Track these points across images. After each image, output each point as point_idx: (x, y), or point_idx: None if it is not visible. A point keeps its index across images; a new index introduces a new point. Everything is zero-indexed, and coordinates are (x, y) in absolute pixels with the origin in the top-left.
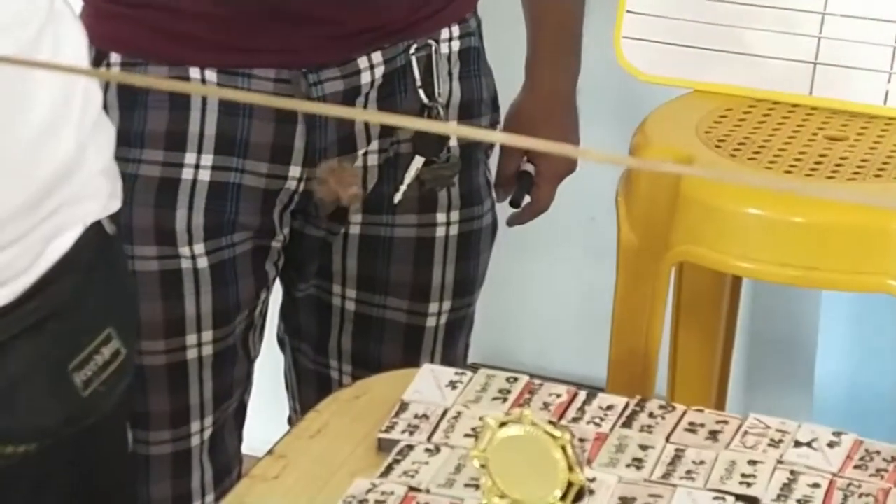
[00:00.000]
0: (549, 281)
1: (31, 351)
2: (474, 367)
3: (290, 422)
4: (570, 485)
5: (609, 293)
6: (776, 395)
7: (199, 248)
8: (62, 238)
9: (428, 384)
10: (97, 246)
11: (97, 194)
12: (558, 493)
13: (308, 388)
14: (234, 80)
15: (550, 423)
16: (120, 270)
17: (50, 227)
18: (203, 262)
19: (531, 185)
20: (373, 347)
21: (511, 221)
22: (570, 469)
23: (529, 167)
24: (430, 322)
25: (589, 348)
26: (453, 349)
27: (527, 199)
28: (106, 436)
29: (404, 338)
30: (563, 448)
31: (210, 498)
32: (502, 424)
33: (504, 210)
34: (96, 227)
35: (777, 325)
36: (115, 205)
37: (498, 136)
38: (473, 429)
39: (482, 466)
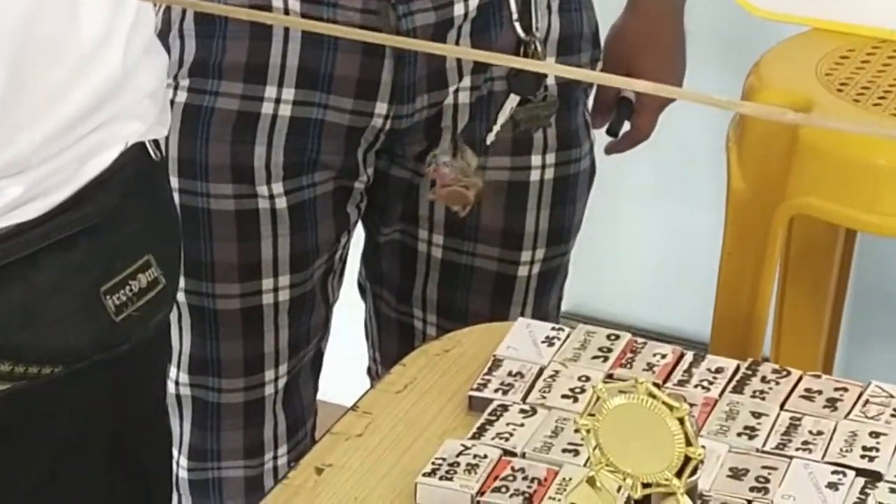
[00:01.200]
0: (639, 226)
1: (60, 266)
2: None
3: (370, 372)
4: (686, 460)
5: (702, 242)
6: (884, 354)
7: (278, 187)
8: (102, 156)
9: (522, 339)
10: (139, 168)
11: (143, 116)
12: (673, 468)
13: (389, 338)
14: (318, 9)
15: (663, 389)
16: (163, 199)
17: (90, 143)
18: (282, 203)
19: (631, 113)
20: (460, 297)
21: (609, 150)
22: (688, 443)
23: (630, 93)
24: (522, 271)
25: (680, 300)
26: (545, 301)
27: (626, 126)
28: (145, 368)
29: (493, 288)
30: (681, 420)
31: (283, 450)
32: (614, 391)
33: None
34: (139, 149)
35: (887, 281)
36: (162, 131)
37: (593, 76)
38: (571, 389)
39: (588, 432)
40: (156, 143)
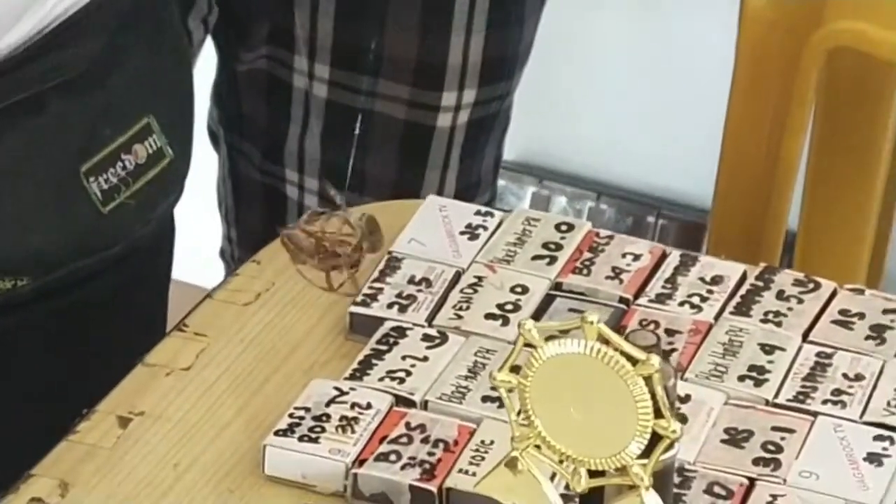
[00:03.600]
0: (615, 49)
1: (22, 140)
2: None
3: (223, 255)
4: (654, 437)
5: (705, 70)
6: None
7: None
8: None
9: (432, 228)
10: None
11: None
12: (635, 449)
13: (251, 209)
14: None
15: (629, 336)
16: (169, 33)
17: None
18: None
19: None
20: (353, 155)
21: None
22: (658, 414)
23: None
24: (444, 120)
25: (671, 150)
26: (477, 162)
27: None
28: (143, 279)
29: (402, 143)
30: (648, 380)
31: None
32: (550, 338)
33: None
34: None
35: None
36: None
37: None
38: (500, 306)
39: (510, 394)
40: None
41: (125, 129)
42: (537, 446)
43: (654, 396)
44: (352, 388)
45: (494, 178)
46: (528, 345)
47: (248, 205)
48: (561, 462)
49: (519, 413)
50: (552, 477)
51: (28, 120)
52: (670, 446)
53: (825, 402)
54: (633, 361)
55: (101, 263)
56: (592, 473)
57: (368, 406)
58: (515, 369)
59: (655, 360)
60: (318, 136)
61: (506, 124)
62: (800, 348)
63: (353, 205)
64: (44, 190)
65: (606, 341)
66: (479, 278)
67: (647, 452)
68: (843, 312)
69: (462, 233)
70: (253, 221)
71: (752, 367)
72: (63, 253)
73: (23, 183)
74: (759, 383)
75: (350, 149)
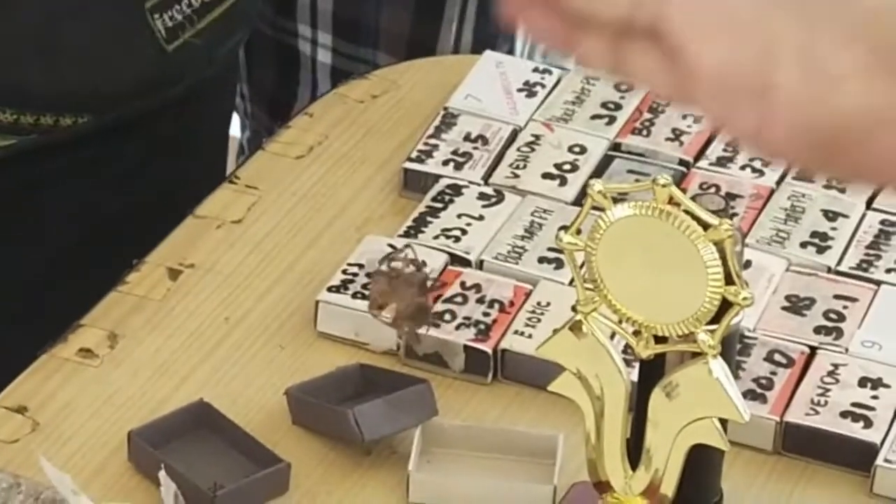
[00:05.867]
0: None
1: None
2: None
3: (237, 111)
4: (724, 304)
5: None
6: None
7: None
8: None
9: (489, 84)
10: None
11: None
12: (704, 316)
13: (263, 65)
14: None
15: (698, 198)
16: None
17: None
18: None
19: None
20: (366, 9)
21: None
22: (728, 280)
23: None
24: None
25: None
26: (493, 15)
27: None
28: (205, 119)
29: None
30: (720, 245)
31: None
32: (616, 200)
33: None
34: None
35: None
36: None
37: None
38: (558, 166)
39: (575, 256)
40: None
41: None
42: (603, 313)
43: (724, 262)
44: (406, 246)
45: (512, 37)
46: (595, 208)
47: (261, 61)
48: (620, 322)
49: (584, 276)
50: (611, 336)
51: None
52: (737, 313)
53: (889, 270)
54: (705, 226)
55: (163, 103)
56: (658, 339)
57: (423, 263)
58: (576, 231)
59: (728, 223)
60: None
61: None
62: (863, 215)
63: (367, 60)
64: (107, 26)
65: (676, 204)
66: (537, 137)
67: (715, 321)
68: None
69: (519, 90)
70: (265, 77)
71: (814, 234)
72: (125, 91)
73: (86, 19)
74: (821, 250)
75: (365, 3)
